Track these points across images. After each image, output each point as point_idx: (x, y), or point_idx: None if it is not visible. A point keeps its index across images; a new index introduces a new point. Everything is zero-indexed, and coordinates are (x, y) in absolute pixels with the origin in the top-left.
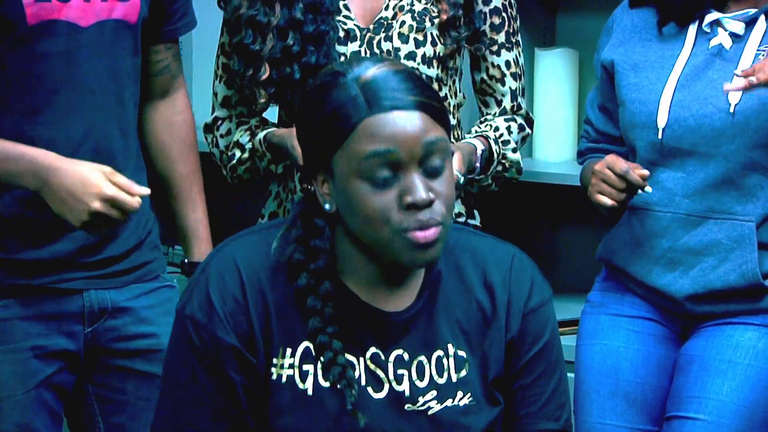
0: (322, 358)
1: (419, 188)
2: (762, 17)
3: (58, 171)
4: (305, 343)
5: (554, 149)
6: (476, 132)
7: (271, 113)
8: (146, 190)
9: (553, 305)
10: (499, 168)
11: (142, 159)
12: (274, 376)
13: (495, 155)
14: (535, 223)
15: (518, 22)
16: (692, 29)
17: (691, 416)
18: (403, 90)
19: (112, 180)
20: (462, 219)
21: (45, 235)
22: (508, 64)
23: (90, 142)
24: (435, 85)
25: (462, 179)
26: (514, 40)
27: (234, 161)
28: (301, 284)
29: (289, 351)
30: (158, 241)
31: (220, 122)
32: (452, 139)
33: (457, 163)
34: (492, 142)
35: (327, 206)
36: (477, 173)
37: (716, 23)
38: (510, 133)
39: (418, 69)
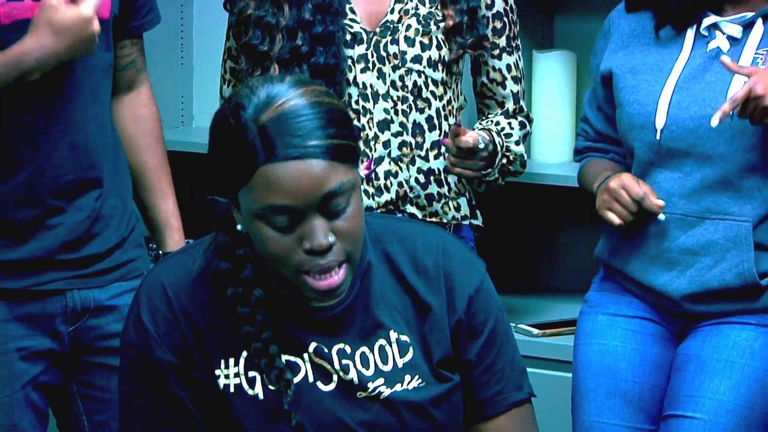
0: (260, 364)
1: (317, 235)
2: (759, 21)
3: (34, 40)
4: (245, 352)
5: (552, 151)
6: (479, 128)
7: None
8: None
9: (488, 277)
10: (504, 161)
11: (123, 154)
12: (222, 386)
13: (499, 147)
14: (533, 224)
15: (518, 26)
16: (690, 33)
17: (689, 415)
18: (301, 135)
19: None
20: (466, 222)
21: (25, 234)
22: (509, 67)
23: (67, 137)
24: (440, 89)
25: (482, 144)
26: (514, 44)
27: None
28: (230, 294)
29: (231, 361)
30: (142, 239)
31: None
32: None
33: (477, 134)
34: (495, 135)
35: (239, 227)
36: (484, 164)
37: (714, 27)
38: (512, 128)
39: (424, 72)
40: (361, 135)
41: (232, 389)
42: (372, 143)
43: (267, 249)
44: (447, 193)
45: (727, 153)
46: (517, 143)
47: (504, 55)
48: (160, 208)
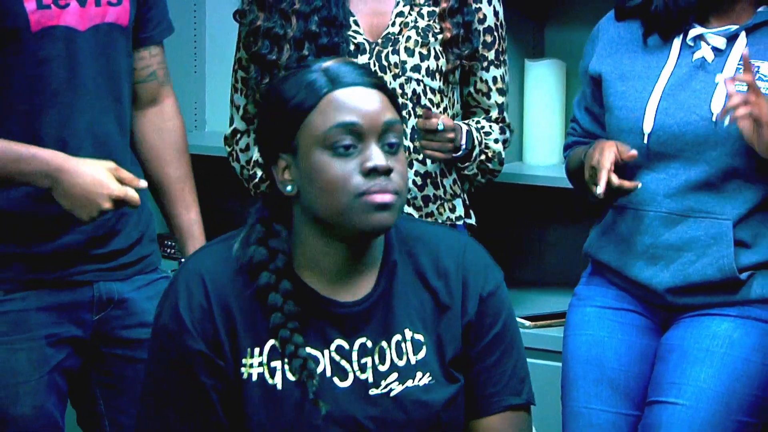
0: (285, 352)
1: (377, 155)
2: (742, 33)
3: (69, 172)
4: (271, 341)
5: (543, 153)
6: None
7: None
8: (145, 183)
9: (505, 287)
10: (483, 157)
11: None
12: (245, 376)
13: (477, 142)
14: (525, 222)
15: (506, 41)
16: (677, 42)
17: (671, 401)
18: (362, 72)
19: (117, 176)
20: (461, 222)
21: (56, 228)
22: (495, 79)
23: (91, 138)
24: (437, 97)
25: (441, 126)
26: (502, 59)
27: (256, 179)
28: (262, 283)
29: (257, 350)
30: (155, 235)
31: (239, 135)
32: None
33: (444, 118)
34: (474, 131)
35: (288, 188)
36: (462, 153)
37: (699, 38)
38: (491, 129)
39: (423, 81)
40: None
41: (254, 378)
42: None
43: (327, 176)
44: (443, 195)
45: (710, 157)
46: (495, 141)
47: (492, 67)
48: (182, 217)
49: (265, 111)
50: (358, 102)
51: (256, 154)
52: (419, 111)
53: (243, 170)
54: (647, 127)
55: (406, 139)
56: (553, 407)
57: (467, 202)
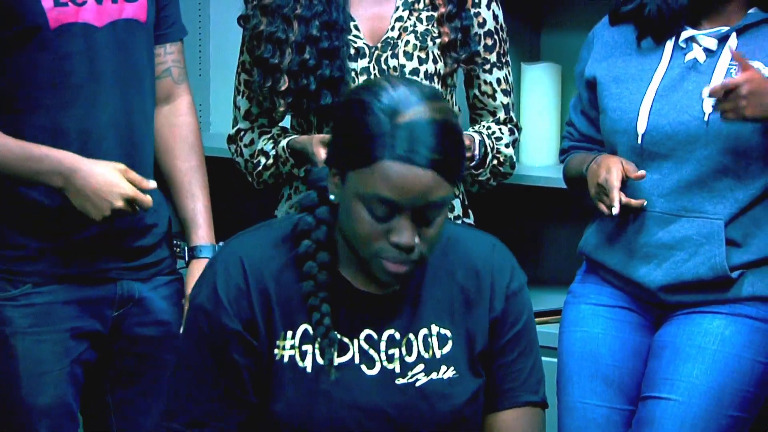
0: (316, 332)
1: (407, 234)
2: (733, 35)
3: (81, 171)
4: (304, 326)
5: (539, 155)
6: (471, 131)
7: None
8: (153, 183)
9: (527, 289)
10: (495, 162)
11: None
12: (277, 357)
13: (489, 149)
14: (522, 222)
15: (508, 43)
16: (669, 44)
17: (664, 396)
18: (429, 146)
19: (127, 177)
20: (459, 221)
21: (83, 221)
22: (498, 81)
23: (116, 130)
24: None
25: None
26: (504, 60)
27: (260, 168)
28: (302, 250)
29: (290, 333)
30: (172, 238)
31: (243, 133)
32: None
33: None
34: (486, 138)
35: (332, 197)
36: (475, 163)
37: (691, 39)
38: (502, 133)
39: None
40: None
41: (285, 359)
42: None
43: (356, 228)
44: None
45: (702, 156)
46: (506, 146)
47: (494, 69)
48: (188, 207)
49: (336, 124)
50: (405, 181)
51: (261, 144)
52: None
53: (247, 164)
54: (641, 127)
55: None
56: (549, 402)
57: (466, 203)
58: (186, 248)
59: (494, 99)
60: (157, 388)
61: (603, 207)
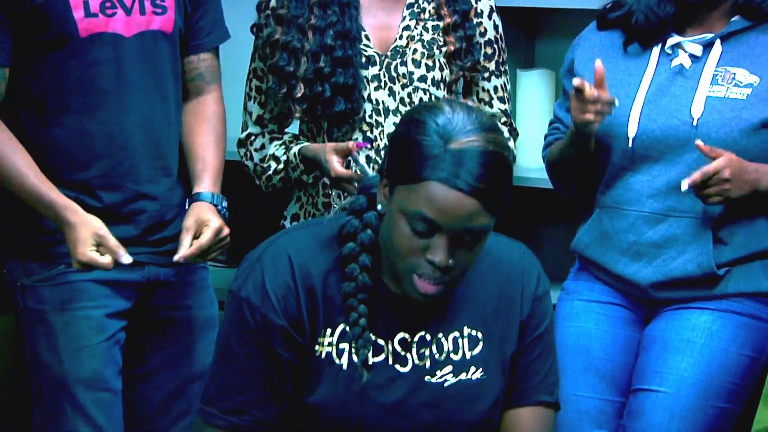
0: (353, 332)
1: (444, 254)
2: (718, 41)
3: (68, 226)
4: (342, 325)
5: (534, 157)
6: None
7: (293, 128)
8: (129, 259)
9: (550, 295)
10: None
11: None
12: (317, 353)
13: None
14: (518, 221)
15: (506, 53)
16: (656, 50)
17: (654, 389)
18: (475, 174)
19: (100, 242)
20: None
21: (112, 218)
22: (495, 89)
23: (140, 134)
24: None
25: None
26: (502, 69)
27: (270, 172)
28: (345, 252)
29: (329, 331)
30: None
31: (253, 138)
32: None
33: None
34: None
35: (379, 206)
36: None
37: (677, 45)
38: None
39: (429, 90)
40: (373, 145)
41: (323, 356)
42: (383, 152)
43: (395, 240)
44: None
45: (690, 159)
46: (507, 139)
47: (492, 77)
48: (197, 166)
49: (394, 139)
50: (448, 204)
51: (272, 149)
52: None
53: (256, 167)
54: (632, 131)
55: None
56: None
57: None
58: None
59: (491, 106)
60: (171, 367)
61: (582, 116)
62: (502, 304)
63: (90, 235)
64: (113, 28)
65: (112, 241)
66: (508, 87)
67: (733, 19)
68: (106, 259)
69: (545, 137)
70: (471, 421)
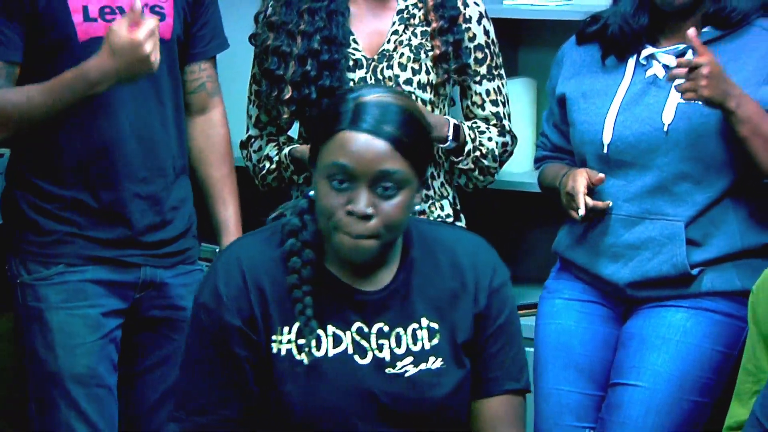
0: (295, 309)
1: (361, 202)
2: (690, 51)
3: (102, 62)
4: (299, 323)
5: (518, 163)
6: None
7: (293, 131)
8: (138, 3)
9: (511, 285)
10: (477, 154)
11: (187, 161)
12: (275, 350)
13: (469, 137)
14: (502, 223)
15: (500, 57)
16: (631, 62)
17: (631, 383)
18: (385, 120)
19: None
20: (450, 219)
21: (110, 217)
22: (487, 92)
23: (136, 135)
24: (428, 107)
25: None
26: (496, 72)
27: (264, 171)
28: (286, 248)
29: (286, 329)
30: (196, 232)
31: (253, 140)
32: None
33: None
34: (467, 128)
35: (311, 193)
36: (450, 145)
37: (651, 56)
38: (488, 129)
39: (414, 93)
40: None
41: (282, 353)
42: None
43: (321, 202)
44: (432, 195)
45: (663, 163)
46: (489, 140)
47: (484, 81)
48: (221, 214)
49: (316, 112)
50: (358, 147)
51: (267, 150)
52: None
53: (255, 168)
54: (606, 138)
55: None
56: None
57: (458, 207)
58: (218, 250)
59: (483, 109)
60: (165, 366)
61: (573, 213)
62: (457, 295)
63: (123, 33)
64: None
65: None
66: (504, 91)
67: (704, 29)
68: (150, 23)
69: (537, 147)
70: (431, 408)
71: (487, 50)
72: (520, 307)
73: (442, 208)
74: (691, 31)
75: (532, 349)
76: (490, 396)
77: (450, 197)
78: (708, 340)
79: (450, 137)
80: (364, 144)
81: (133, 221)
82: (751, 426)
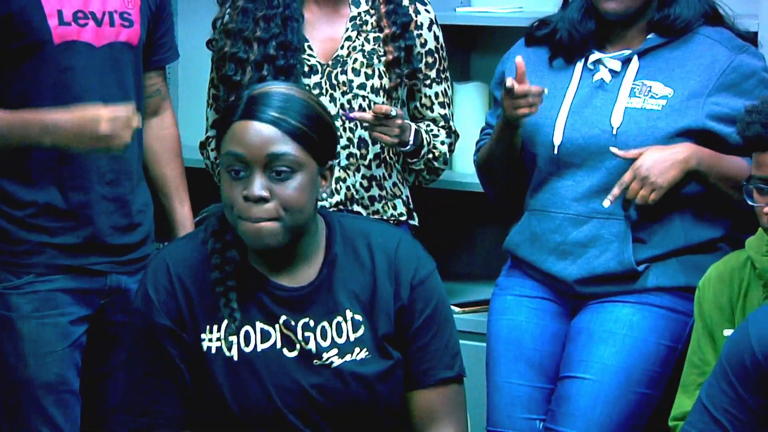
0: (220, 303)
1: (255, 186)
2: (635, 57)
3: (61, 117)
4: (227, 320)
5: (470, 164)
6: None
7: None
8: (133, 105)
9: (437, 275)
10: (430, 156)
11: (142, 162)
12: (205, 348)
13: (425, 141)
14: (455, 223)
15: (447, 61)
16: (579, 66)
17: (580, 376)
18: (271, 107)
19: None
20: (403, 218)
21: (79, 218)
22: (436, 94)
23: None
24: None
25: (393, 112)
26: (443, 76)
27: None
28: (210, 247)
29: (215, 327)
30: (154, 237)
31: (211, 140)
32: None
33: (397, 110)
34: (423, 132)
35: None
36: (410, 148)
37: (598, 62)
38: (439, 132)
39: (368, 97)
40: None
41: (213, 351)
42: None
43: (224, 194)
44: (385, 195)
45: (611, 165)
46: (441, 143)
47: (434, 84)
48: (178, 211)
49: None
50: (247, 135)
51: None
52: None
53: (213, 165)
54: (557, 140)
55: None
56: (479, 381)
57: (411, 206)
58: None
59: (432, 111)
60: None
61: (522, 110)
62: (377, 288)
63: (83, 107)
64: (84, 38)
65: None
66: (449, 93)
67: (648, 36)
68: (123, 109)
69: (477, 142)
70: (358, 398)
71: (436, 54)
72: (473, 303)
73: (395, 207)
74: (614, 149)
75: (484, 344)
76: (425, 387)
77: (403, 196)
78: (653, 334)
79: (411, 141)
80: (254, 131)
81: (100, 224)
82: (698, 412)
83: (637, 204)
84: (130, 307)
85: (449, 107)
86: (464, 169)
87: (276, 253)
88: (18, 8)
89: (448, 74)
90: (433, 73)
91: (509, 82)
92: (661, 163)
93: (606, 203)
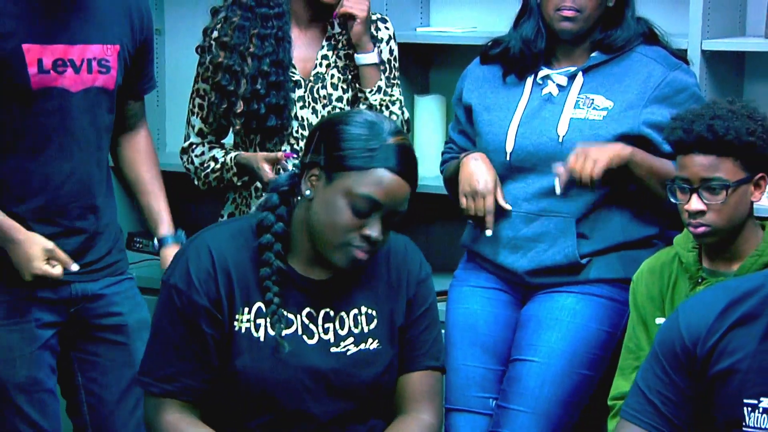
0: (268, 308)
1: (378, 229)
2: (580, 73)
3: (14, 243)
4: (258, 303)
5: (429, 168)
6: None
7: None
8: (76, 267)
9: (432, 277)
10: (386, 98)
11: (112, 187)
12: (236, 328)
13: (382, 90)
14: (416, 221)
15: (398, 71)
16: (529, 81)
17: (529, 359)
18: (409, 164)
19: (51, 255)
20: None
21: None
22: (386, 93)
23: (75, 176)
24: None
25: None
26: (393, 82)
27: (208, 170)
28: (263, 242)
29: (246, 309)
30: (123, 246)
31: (195, 146)
32: None
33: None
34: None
35: (308, 192)
36: (367, 59)
37: (547, 77)
38: (394, 104)
39: (343, 108)
40: (299, 155)
41: (243, 331)
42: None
43: (335, 217)
44: None
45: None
46: (392, 103)
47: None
48: (152, 206)
49: (332, 128)
50: (392, 188)
51: (213, 152)
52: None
53: (197, 170)
54: (509, 147)
55: None
56: None
57: None
58: (155, 240)
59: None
60: (116, 367)
61: (471, 208)
62: (392, 286)
63: (40, 249)
64: (62, 84)
65: (62, 254)
66: (400, 97)
67: (592, 54)
68: (58, 270)
69: (442, 154)
70: (366, 382)
71: (388, 65)
72: None
73: None
74: (559, 169)
75: (443, 331)
76: (412, 371)
77: None
78: (594, 321)
79: (374, 52)
80: (398, 186)
81: (64, 251)
82: (635, 395)
83: (582, 183)
84: (107, 309)
85: (401, 103)
86: (425, 173)
87: (316, 254)
88: (1, 58)
89: (398, 82)
90: (382, 83)
91: (558, 190)
92: (600, 146)
93: (557, 188)
